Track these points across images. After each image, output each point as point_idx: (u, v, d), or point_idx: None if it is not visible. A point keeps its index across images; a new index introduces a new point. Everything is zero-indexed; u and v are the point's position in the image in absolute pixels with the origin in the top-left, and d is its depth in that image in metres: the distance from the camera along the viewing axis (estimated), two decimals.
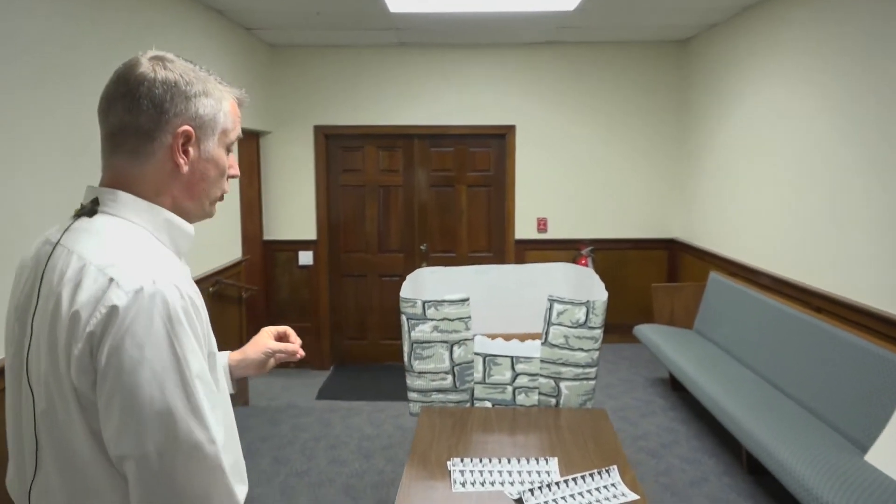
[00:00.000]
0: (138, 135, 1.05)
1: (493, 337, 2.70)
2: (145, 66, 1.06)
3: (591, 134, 5.89)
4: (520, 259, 5.99)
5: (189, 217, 1.12)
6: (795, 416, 3.29)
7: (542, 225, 5.97)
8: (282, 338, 1.43)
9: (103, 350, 0.92)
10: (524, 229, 5.99)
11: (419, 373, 2.44)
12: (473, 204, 6.05)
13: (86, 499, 0.98)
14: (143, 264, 0.98)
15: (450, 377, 2.45)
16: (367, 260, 6.07)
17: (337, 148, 5.93)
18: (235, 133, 1.16)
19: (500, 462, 1.91)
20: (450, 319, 2.40)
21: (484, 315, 3.03)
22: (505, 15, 4.74)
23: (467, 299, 2.39)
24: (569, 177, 5.94)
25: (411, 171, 6.02)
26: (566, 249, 5.94)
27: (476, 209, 6.06)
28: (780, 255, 4.19)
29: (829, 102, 3.61)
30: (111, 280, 0.94)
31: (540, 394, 2.44)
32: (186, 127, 1.06)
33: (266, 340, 1.40)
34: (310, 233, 5.95)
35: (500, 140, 5.98)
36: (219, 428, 0.98)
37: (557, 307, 2.38)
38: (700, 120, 5.46)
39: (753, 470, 3.55)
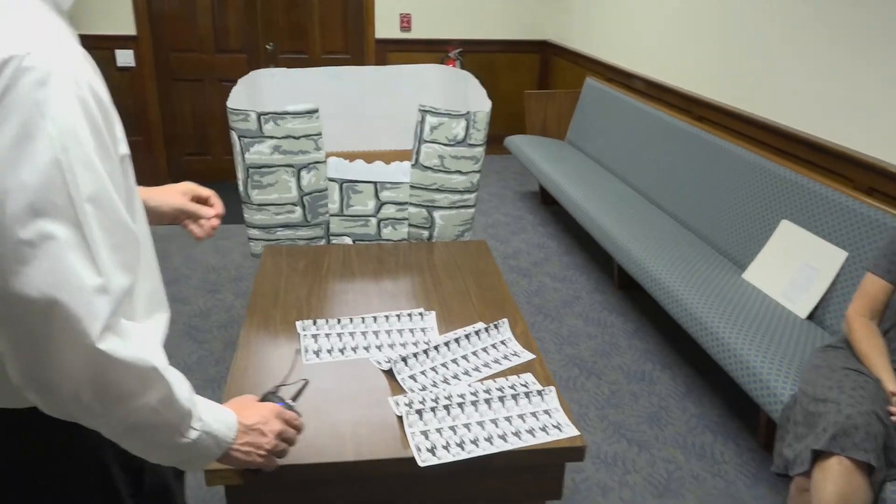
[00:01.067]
0: None
1: (350, 158, 2.22)
2: None
3: None
4: (381, 62, 5.34)
5: None
6: (672, 232, 3.15)
7: (405, 22, 5.28)
8: (201, 202, 1.25)
9: None
10: (386, 27, 5.28)
11: (259, 205, 1.94)
12: None
13: None
14: (42, 40, 0.73)
15: (299, 209, 1.98)
16: (203, 61, 5.17)
17: None
18: None
19: (363, 322, 1.52)
20: (294, 137, 1.88)
21: (339, 130, 2.52)
22: None
23: (316, 111, 1.87)
24: None
25: None
26: (433, 52, 5.34)
27: (330, 3, 5.23)
28: (660, 59, 3.87)
29: None
30: None
31: (410, 226, 2.04)
32: None
33: (181, 199, 1.20)
34: (127, 27, 4.92)
35: None
36: (115, 269, 0.76)
37: (431, 120, 1.92)
38: None
39: (625, 285, 3.46)
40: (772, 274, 2.62)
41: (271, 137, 1.86)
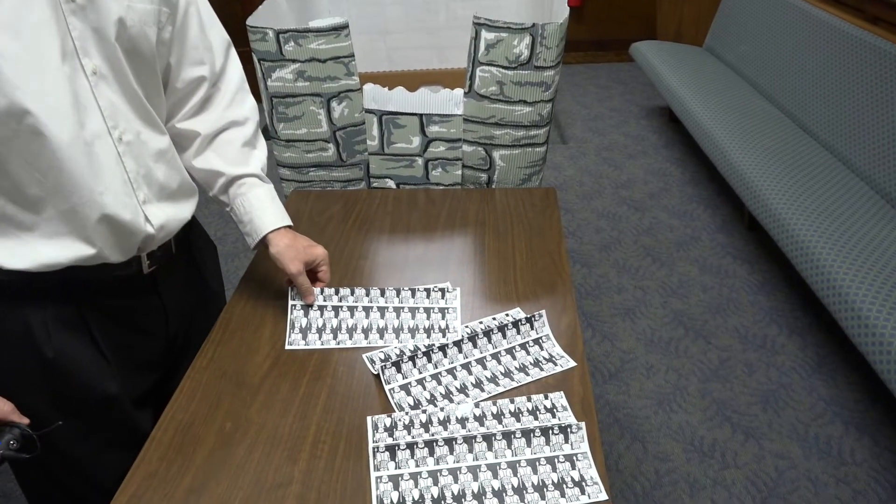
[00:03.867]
0: None
1: (415, 80, 1.87)
2: None
3: None
4: None
5: None
6: (823, 170, 2.55)
7: None
8: (310, 268, 1.18)
9: None
10: None
11: (287, 141, 1.66)
12: None
13: None
14: None
15: (332, 146, 1.68)
16: None
17: None
18: None
19: (370, 295, 1.22)
20: (320, 60, 1.55)
21: (403, 44, 2.16)
22: None
23: (345, 26, 1.52)
24: None
25: None
26: None
27: None
28: None
29: None
30: None
31: (465, 167, 1.68)
32: None
33: (297, 267, 1.14)
34: None
35: None
36: None
37: (486, 36, 1.51)
38: None
39: (757, 225, 2.91)
40: None
41: (294, 61, 1.55)
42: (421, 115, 1.62)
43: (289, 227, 1.18)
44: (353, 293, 1.22)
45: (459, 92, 1.60)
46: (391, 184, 1.73)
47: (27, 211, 0.91)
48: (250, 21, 1.59)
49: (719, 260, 2.75)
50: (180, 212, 1.10)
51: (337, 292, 1.21)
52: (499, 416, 0.99)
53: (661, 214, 3.09)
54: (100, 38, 0.90)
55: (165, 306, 1.13)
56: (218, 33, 1.13)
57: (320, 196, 1.66)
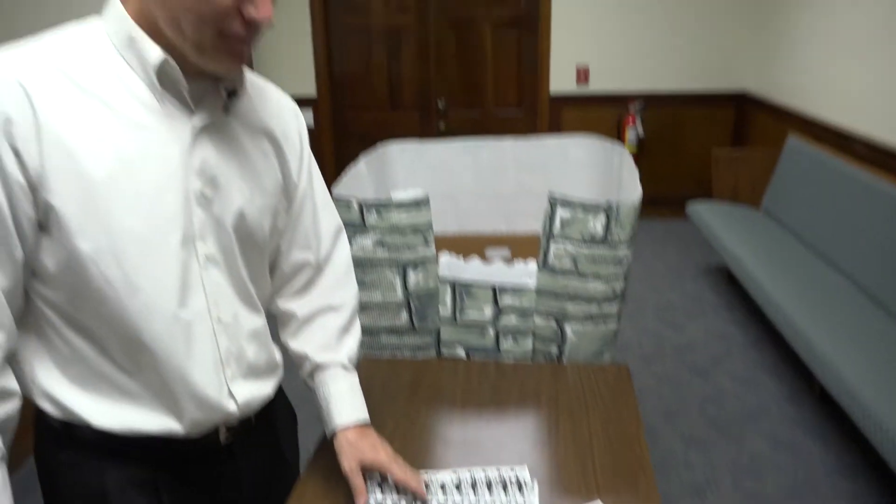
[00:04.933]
0: None
1: (482, 244, 1.90)
2: None
3: None
4: (555, 117, 5.03)
5: (182, 55, 0.86)
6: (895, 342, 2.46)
7: (582, 75, 4.93)
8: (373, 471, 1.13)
9: None
10: (561, 80, 4.97)
11: (363, 305, 1.69)
12: (501, 49, 5.01)
13: None
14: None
15: (405, 313, 1.70)
16: (377, 119, 5.19)
17: None
18: None
19: (441, 484, 1.17)
20: (400, 231, 1.60)
21: (473, 209, 2.22)
22: None
23: (426, 200, 1.58)
24: (616, 15, 4.80)
25: (426, 8, 4.95)
26: (611, 105, 4.94)
27: (504, 56, 5.03)
28: (888, 116, 3.15)
29: None
30: None
31: (536, 339, 1.67)
32: None
33: (349, 461, 1.10)
34: (308, 88, 5.07)
35: None
36: None
37: (562, 213, 1.55)
38: None
39: (827, 397, 2.78)
40: None
41: (374, 229, 1.60)
42: (494, 286, 1.64)
43: (363, 423, 1.16)
44: (430, 475, 1.17)
45: (533, 264, 1.62)
46: (461, 352, 1.72)
47: (124, 374, 0.93)
48: (336, 191, 1.66)
49: (790, 433, 2.61)
50: (264, 389, 1.11)
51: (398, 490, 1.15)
52: None
53: (726, 381, 2.98)
54: (219, 227, 0.95)
55: (239, 474, 1.12)
56: (330, 219, 1.17)
57: (391, 364, 1.65)
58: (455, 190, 2.19)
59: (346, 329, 1.20)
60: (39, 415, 0.97)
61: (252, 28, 0.86)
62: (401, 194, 1.62)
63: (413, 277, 1.64)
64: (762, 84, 4.64)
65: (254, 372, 1.07)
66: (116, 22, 0.87)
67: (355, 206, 1.59)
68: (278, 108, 1.06)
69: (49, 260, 0.86)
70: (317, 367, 1.17)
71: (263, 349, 1.09)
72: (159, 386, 0.94)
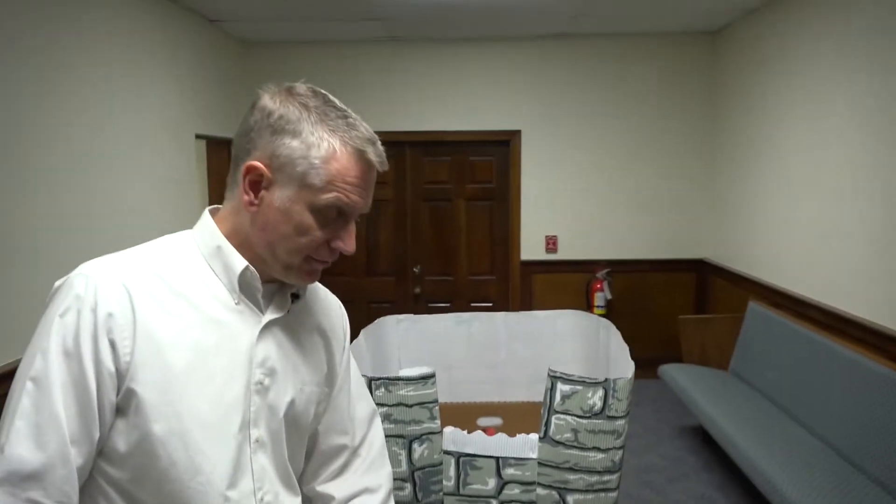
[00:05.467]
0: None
1: (478, 410, 1.98)
2: (269, 93, 0.99)
3: (607, 140, 5.15)
4: (526, 283, 5.26)
5: (266, 266, 1.01)
6: (873, 501, 2.52)
7: (551, 244, 5.24)
8: None
9: None
10: (531, 249, 5.26)
11: None
12: (474, 220, 5.33)
13: None
14: (104, 260, 0.96)
15: (409, 486, 1.73)
16: (354, 284, 5.35)
17: None
18: (333, 197, 0.96)
19: None
20: (407, 405, 1.69)
21: (466, 379, 2.31)
22: (509, 2, 4.03)
23: (432, 376, 1.67)
24: (582, 189, 5.20)
25: (402, 183, 5.31)
26: (579, 272, 5.20)
27: (476, 226, 5.34)
28: (841, 286, 3.42)
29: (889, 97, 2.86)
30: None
31: None
32: (254, 162, 0.97)
33: None
34: None
35: (503, 147, 5.25)
36: (22, 443, 0.86)
37: (562, 388, 1.65)
38: (735, 122, 4.70)
39: None
40: None
41: (383, 405, 1.68)
42: (497, 458, 1.70)
43: None
44: None
45: (534, 436, 1.70)
46: None
47: None
48: None
49: None
50: None
51: None
52: None
53: None
54: (271, 413, 1.03)
55: None
56: (366, 404, 1.25)
57: None
58: (449, 360, 2.30)
59: None
60: None
61: (335, 255, 1.01)
62: (407, 371, 1.72)
63: (418, 451, 1.70)
64: (720, 253, 4.98)
65: None
66: (207, 234, 1.02)
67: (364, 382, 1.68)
68: (327, 305, 1.18)
69: (120, 440, 0.92)
70: None
71: None
72: None
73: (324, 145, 0.95)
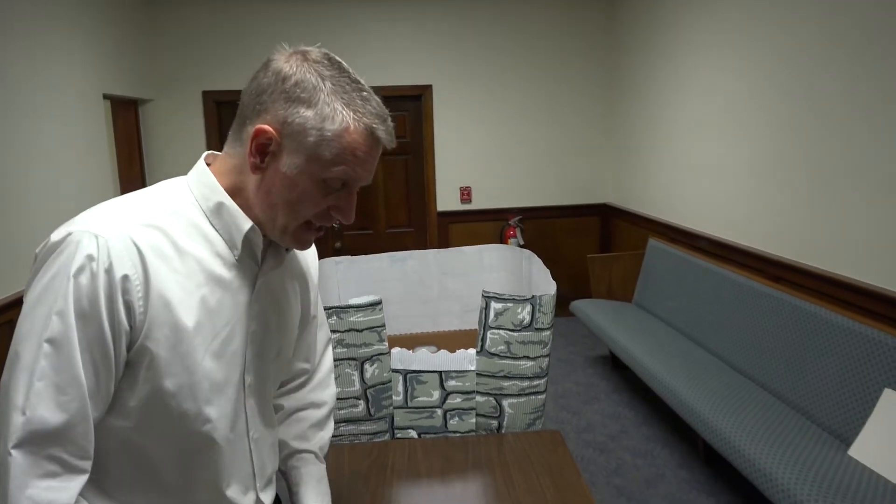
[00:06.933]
0: (239, 115, 1.00)
1: (416, 341, 2.18)
2: (284, 55, 0.98)
3: (514, 93, 5.38)
4: (443, 233, 5.48)
5: (262, 227, 1.02)
6: (762, 403, 2.92)
7: (465, 195, 5.46)
8: None
9: None
10: (447, 200, 5.47)
11: None
12: (390, 175, 5.47)
13: None
14: (105, 215, 0.94)
15: (362, 403, 1.92)
16: None
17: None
18: (341, 170, 0.97)
19: None
20: (357, 330, 1.86)
21: (404, 313, 2.50)
22: None
23: (379, 303, 1.85)
24: (492, 141, 5.43)
25: None
26: (493, 220, 5.47)
27: (393, 181, 5.49)
28: (725, 217, 3.82)
29: (772, 51, 3.21)
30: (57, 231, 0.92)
31: (478, 415, 1.94)
32: (265, 126, 0.95)
33: None
34: None
35: (415, 102, 5.39)
36: (43, 403, 0.87)
37: (495, 306, 1.87)
38: (630, 73, 5.03)
39: (712, 459, 3.19)
40: (882, 449, 2.36)
41: (335, 332, 1.85)
42: (440, 372, 1.91)
43: None
44: None
45: (472, 351, 1.91)
46: (413, 434, 1.95)
47: (168, 495, 1.02)
48: None
49: (685, 494, 2.97)
50: (272, 493, 1.23)
51: None
52: None
53: (625, 455, 3.33)
54: (261, 361, 1.10)
55: None
56: (325, 331, 1.35)
57: (353, 449, 1.85)
58: (386, 297, 2.47)
59: (321, 425, 1.33)
60: None
61: (332, 223, 1.02)
62: (357, 299, 1.88)
63: (369, 371, 1.88)
64: (622, 196, 5.35)
65: (269, 480, 1.20)
66: (207, 189, 1.01)
67: None
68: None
69: (129, 393, 0.94)
70: (292, 454, 1.29)
71: (275, 456, 1.23)
72: (204, 501, 1.05)
73: (338, 118, 0.94)
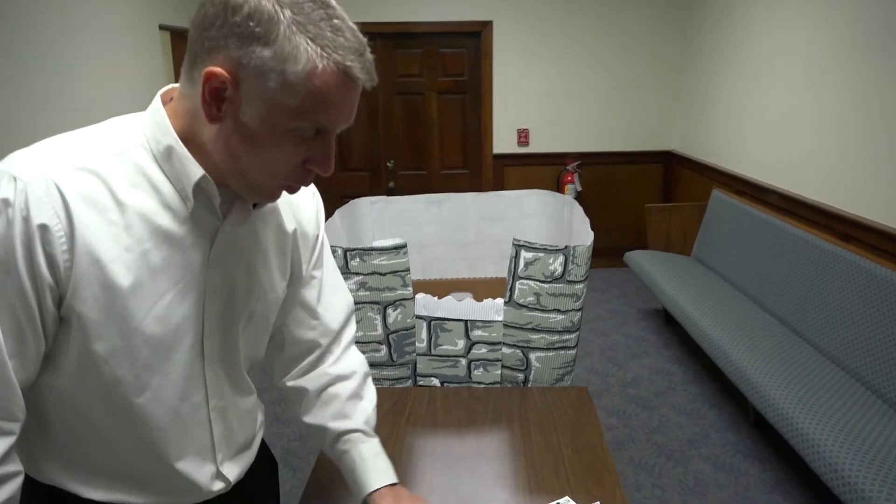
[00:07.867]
0: (189, 49, 0.82)
1: (450, 286, 2.11)
2: None
3: (578, 31, 5.11)
4: (498, 176, 5.34)
5: (225, 178, 0.87)
6: (819, 371, 2.75)
7: (522, 137, 5.28)
8: None
9: None
10: (503, 142, 5.31)
11: None
12: (446, 114, 5.34)
13: None
14: (36, 154, 0.82)
15: (384, 348, 1.87)
16: (327, 179, 5.38)
17: None
18: (311, 119, 0.81)
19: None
20: (381, 273, 1.79)
21: (439, 256, 2.43)
22: None
23: (404, 246, 1.78)
24: (553, 82, 5.20)
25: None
26: (550, 165, 5.29)
27: (449, 120, 5.35)
28: (796, 170, 3.56)
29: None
30: None
31: (503, 367, 1.87)
32: (216, 69, 0.78)
33: None
34: None
35: (474, 39, 5.20)
36: None
37: (525, 255, 1.77)
38: (704, 14, 4.69)
39: (762, 424, 3.05)
40: None
41: (357, 274, 1.79)
42: (466, 321, 1.83)
43: (393, 484, 1.14)
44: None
45: (500, 301, 1.83)
46: (436, 382, 1.90)
47: (118, 460, 0.96)
48: None
49: (730, 458, 2.85)
50: (249, 457, 1.12)
51: None
52: None
53: (669, 413, 3.22)
54: (226, 325, 0.97)
55: None
56: (342, 298, 1.18)
57: None
58: (421, 240, 2.40)
59: (358, 394, 1.19)
60: (29, 479, 0.96)
61: (311, 176, 0.89)
62: (381, 242, 1.82)
63: (392, 315, 1.82)
64: (686, 145, 5.08)
65: (241, 448, 1.09)
66: (158, 130, 0.86)
67: (340, 253, 1.78)
68: (297, 198, 1.06)
69: (61, 352, 0.87)
70: (337, 437, 1.16)
71: (251, 426, 1.11)
72: (153, 472, 0.97)
73: (302, 58, 0.77)
